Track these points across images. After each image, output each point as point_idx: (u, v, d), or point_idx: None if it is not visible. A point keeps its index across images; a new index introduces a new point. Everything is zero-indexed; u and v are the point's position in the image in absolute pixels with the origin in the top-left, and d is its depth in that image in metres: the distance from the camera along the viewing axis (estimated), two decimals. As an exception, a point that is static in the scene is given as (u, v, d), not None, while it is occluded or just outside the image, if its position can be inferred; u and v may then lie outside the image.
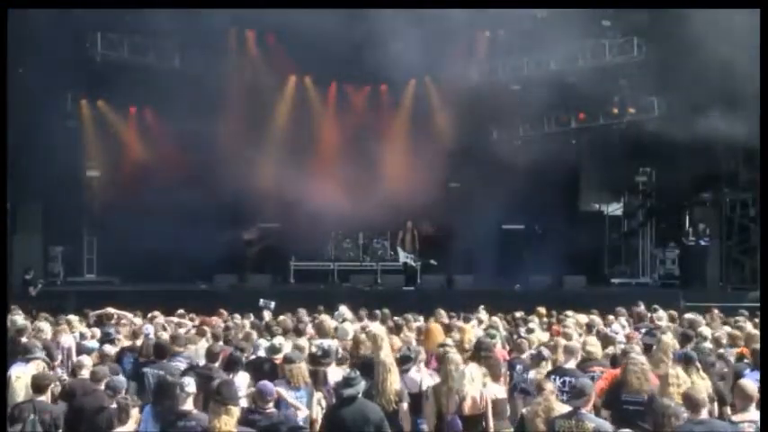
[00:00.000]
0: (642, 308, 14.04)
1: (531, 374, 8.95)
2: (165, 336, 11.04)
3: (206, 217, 21.79)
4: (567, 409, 7.59)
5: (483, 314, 13.18)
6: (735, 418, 6.86)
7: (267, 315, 13.76)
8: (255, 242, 22.77)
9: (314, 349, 10.00)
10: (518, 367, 9.52)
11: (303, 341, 10.45)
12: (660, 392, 7.58)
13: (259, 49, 22.39)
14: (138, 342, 10.83)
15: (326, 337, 10.76)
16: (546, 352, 9.16)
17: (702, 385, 7.99)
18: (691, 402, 6.68)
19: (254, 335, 11.24)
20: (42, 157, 19.06)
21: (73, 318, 12.98)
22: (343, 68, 21.85)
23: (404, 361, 8.84)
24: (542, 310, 14.08)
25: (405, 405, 8.26)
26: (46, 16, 17.39)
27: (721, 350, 10.08)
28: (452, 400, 8.23)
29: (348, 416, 7.23)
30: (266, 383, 7.83)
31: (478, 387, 8.25)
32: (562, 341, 9.76)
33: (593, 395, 7.24)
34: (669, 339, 9.58)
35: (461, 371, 8.32)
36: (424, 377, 8.75)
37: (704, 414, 6.65)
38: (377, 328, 11.28)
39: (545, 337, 11.10)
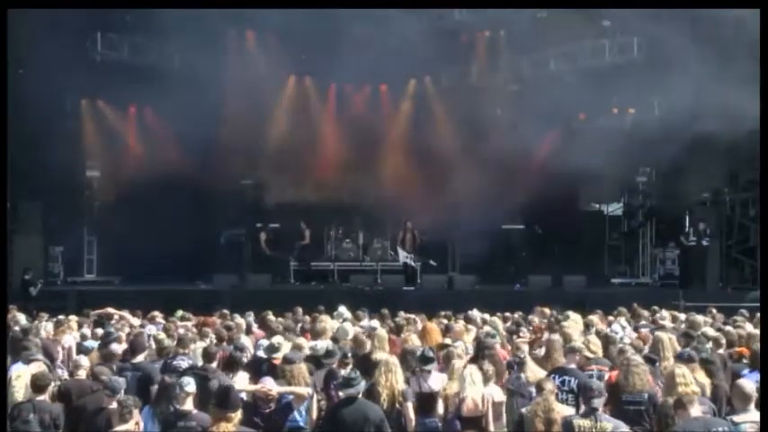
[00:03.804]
0: (639, 309, 14.05)
1: (522, 377, 8.97)
2: (162, 336, 11.03)
3: (206, 217, 21.79)
4: (566, 408, 7.60)
5: (476, 314, 13.15)
6: (735, 418, 6.86)
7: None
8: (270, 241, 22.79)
9: (307, 351, 10.01)
10: (515, 368, 9.52)
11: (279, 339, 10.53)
12: (666, 393, 7.56)
13: (259, 49, 22.39)
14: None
15: (320, 337, 10.75)
16: (523, 353, 9.17)
17: (703, 384, 8.02)
18: (680, 403, 6.70)
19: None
20: (42, 157, 19.07)
21: (73, 318, 12.99)
22: (343, 68, 21.85)
23: (426, 361, 8.83)
24: (546, 310, 14.10)
25: (409, 404, 8.25)
26: (46, 16, 17.38)
27: (721, 350, 10.08)
28: (452, 401, 8.23)
29: (348, 416, 7.23)
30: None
31: (480, 389, 8.25)
32: (555, 338, 9.81)
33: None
34: (667, 339, 9.60)
35: (461, 372, 8.32)
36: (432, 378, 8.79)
37: (697, 411, 6.65)
38: (378, 328, 11.30)
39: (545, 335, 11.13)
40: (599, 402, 6.98)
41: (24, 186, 19.07)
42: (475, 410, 8.16)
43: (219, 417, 6.71)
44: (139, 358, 9.50)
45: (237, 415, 6.80)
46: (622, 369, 7.97)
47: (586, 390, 7.09)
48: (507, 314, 13.82)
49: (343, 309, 14.06)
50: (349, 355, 9.58)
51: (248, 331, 12.18)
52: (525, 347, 9.76)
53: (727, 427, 6.60)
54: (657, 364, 9.14)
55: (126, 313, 13.30)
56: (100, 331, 11.77)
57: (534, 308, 14.32)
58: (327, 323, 11.87)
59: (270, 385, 8.27)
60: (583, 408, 7.10)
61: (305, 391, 8.33)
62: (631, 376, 7.85)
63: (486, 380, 8.41)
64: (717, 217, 21.21)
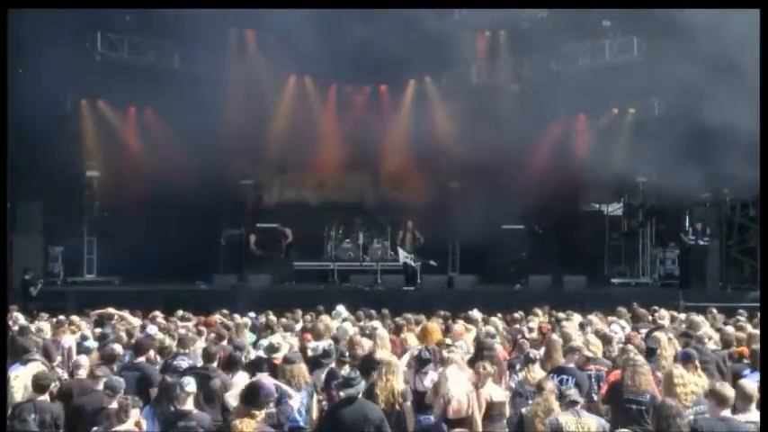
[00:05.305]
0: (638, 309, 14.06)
1: (521, 376, 8.98)
2: (161, 336, 11.03)
3: (206, 217, 21.79)
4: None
5: (476, 314, 13.15)
6: (736, 418, 6.84)
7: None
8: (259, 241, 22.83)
9: (310, 352, 10.01)
10: (517, 367, 9.53)
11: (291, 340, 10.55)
12: (665, 393, 7.57)
13: (259, 49, 22.39)
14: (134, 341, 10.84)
15: (322, 338, 10.75)
16: (534, 353, 9.18)
17: (701, 383, 8.02)
18: (717, 398, 6.66)
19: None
20: (42, 157, 19.06)
21: (75, 318, 13.00)
22: (343, 68, 21.84)
23: (423, 363, 8.87)
24: (539, 310, 14.13)
25: (408, 404, 8.26)
26: (46, 16, 17.37)
27: (719, 350, 10.09)
28: (438, 402, 8.22)
29: (348, 416, 7.22)
30: (265, 383, 7.81)
31: (465, 390, 8.22)
32: (555, 338, 9.80)
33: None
34: (666, 338, 9.61)
35: (444, 372, 8.31)
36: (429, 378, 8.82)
37: (727, 412, 6.64)
38: (379, 328, 11.30)
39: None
40: (575, 393, 7.13)
41: (24, 186, 19.04)
42: (459, 412, 8.12)
43: (244, 413, 6.78)
44: (140, 359, 9.50)
45: (261, 414, 6.89)
46: (629, 369, 7.95)
47: (542, 389, 7.24)
48: (516, 315, 13.81)
49: (341, 308, 14.07)
50: (347, 354, 9.59)
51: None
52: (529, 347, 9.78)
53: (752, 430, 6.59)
54: (658, 352, 9.18)
55: (126, 313, 13.29)
56: (100, 331, 11.77)
57: (533, 308, 14.34)
58: (328, 323, 11.87)
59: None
60: (563, 405, 7.13)
61: (292, 392, 8.32)
62: (638, 376, 7.86)
63: (482, 380, 8.41)
64: (717, 217, 21.21)
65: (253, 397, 6.89)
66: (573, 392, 7.19)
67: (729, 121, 16.42)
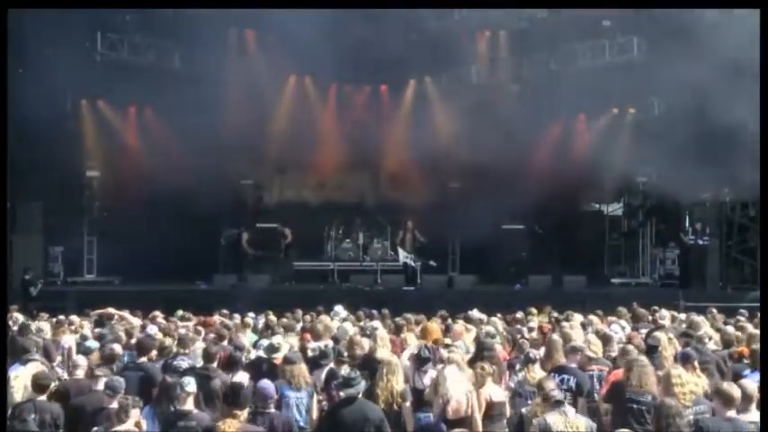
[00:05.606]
0: (638, 309, 14.06)
1: (521, 376, 8.98)
2: (160, 336, 11.02)
3: (206, 217, 21.80)
4: (566, 408, 7.61)
5: (476, 314, 13.15)
6: (741, 418, 6.83)
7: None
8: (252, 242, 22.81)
9: (310, 352, 10.01)
10: (517, 367, 9.53)
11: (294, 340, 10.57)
12: (664, 393, 7.58)
13: (259, 49, 22.39)
14: (133, 341, 10.84)
15: (321, 339, 10.75)
16: (534, 353, 9.18)
17: (700, 383, 8.02)
18: (724, 398, 6.66)
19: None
20: (42, 157, 19.07)
21: (75, 318, 13.00)
22: (343, 68, 21.85)
23: (423, 362, 8.89)
24: (534, 309, 14.13)
25: (407, 404, 8.27)
26: (46, 16, 17.38)
27: (719, 350, 10.10)
28: (437, 402, 8.22)
29: (348, 416, 7.22)
30: (267, 384, 7.81)
31: (464, 390, 8.21)
32: (556, 338, 9.81)
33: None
34: (666, 338, 9.61)
35: (444, 373, 8.32)
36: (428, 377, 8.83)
37: (733, 412, 6.63)
38: (379, 328, 11.30)
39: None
40: (559, 393, 7.15)
41: (24, 186, 19.04)
42: (458, 412, 8.12)
43: (226, 414, 6.77)
44: (142, 359, 9.50)
45: (244, 413, 6.89)
46: (634, 369, 7.95)
47: (542, 389, 7.22)
48: (518, 315, 13.81)
49: (339, 308, 14.07)
50: (345, 354, 9.59)
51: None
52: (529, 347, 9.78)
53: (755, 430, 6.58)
54: (659, 350, 9.18)
55: (126, 313, 13.29)
56: (99, 331, 11.76)
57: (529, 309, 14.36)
58: (328, 323, 11.87)
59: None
60: (548, 405, 7.13)
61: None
62: (643, 377, 7.86)
63: (481, 379, 8.41)
64: (717, 217, 21.21)
65: (234, 397, 6.88)
66: (557, 393, 7.17)
67: (729, 121, 16.45)
